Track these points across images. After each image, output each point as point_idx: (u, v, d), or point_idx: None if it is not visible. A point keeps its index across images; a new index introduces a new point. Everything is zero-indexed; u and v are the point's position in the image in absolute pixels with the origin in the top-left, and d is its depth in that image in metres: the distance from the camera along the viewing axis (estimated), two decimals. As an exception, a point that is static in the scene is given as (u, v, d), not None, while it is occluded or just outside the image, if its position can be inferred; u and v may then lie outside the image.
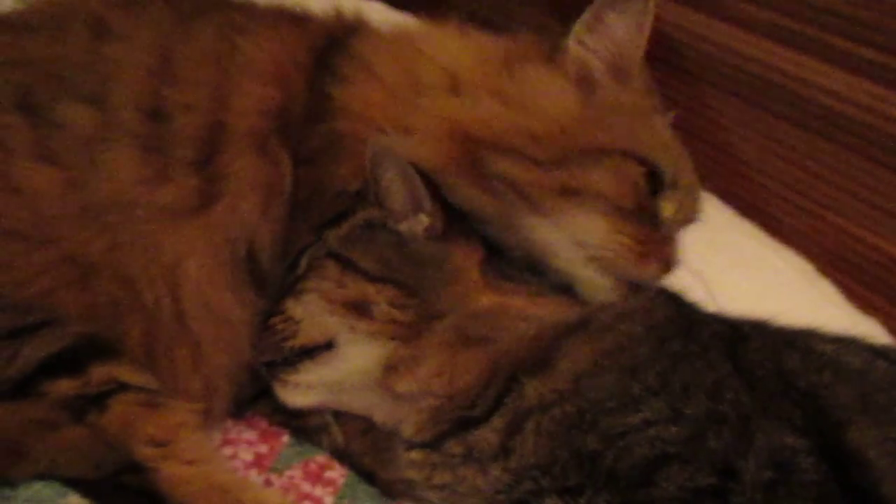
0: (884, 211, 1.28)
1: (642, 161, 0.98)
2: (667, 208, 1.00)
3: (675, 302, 0.98)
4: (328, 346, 0.96)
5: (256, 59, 1.04)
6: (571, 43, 1.03)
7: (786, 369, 0.87)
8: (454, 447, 0.87)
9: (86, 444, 0.88)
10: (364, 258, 0.97)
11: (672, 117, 1.15)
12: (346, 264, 0.97)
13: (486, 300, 0.95)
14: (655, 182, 0.99)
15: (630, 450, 0.78)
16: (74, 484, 0.87)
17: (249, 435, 1.03)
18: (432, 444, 0.89)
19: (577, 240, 0.96)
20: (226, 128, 1.00)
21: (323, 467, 0.99)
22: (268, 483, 0.97)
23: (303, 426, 1.03)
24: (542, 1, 1.64)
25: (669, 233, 1.01)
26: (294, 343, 0.98)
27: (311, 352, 0.97)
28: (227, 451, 1.00)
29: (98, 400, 0.89)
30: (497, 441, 0.85)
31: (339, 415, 1.01)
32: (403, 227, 0.98)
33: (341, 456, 1.00)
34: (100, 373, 0.91)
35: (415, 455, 0.91)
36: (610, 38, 1.02)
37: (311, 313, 0.98)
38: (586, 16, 1.02)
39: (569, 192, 0.96)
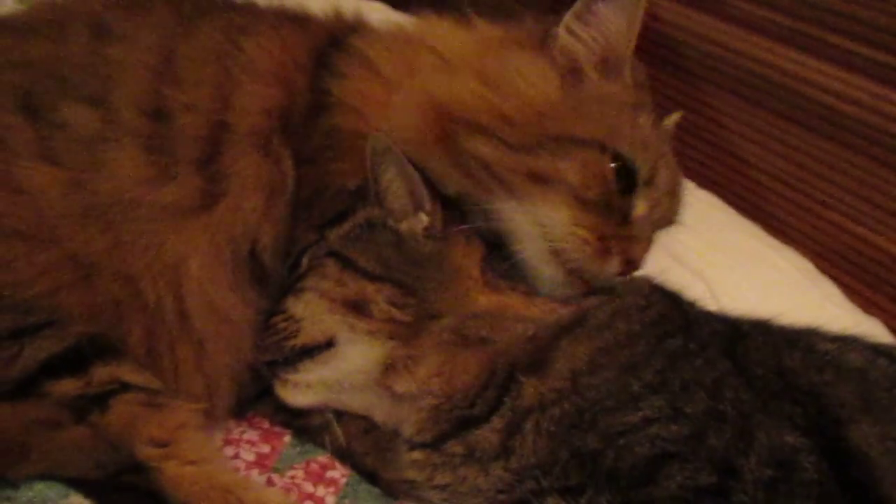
0: (885, 209, 1.28)
1: (616, 156, 0.97)
2: (639, 206, 0.99)
3: (673, 300, 0.98)
4: (328, 345, 0.97)
5: (258, 58, 1.05)
6: (561, 31, 1.02)
7: (787, 368, 0.87)
8: (455, 447, 0.88)
9: (88, 444, 0.88)
10: (363, 257, 0.97)
11: (678, 118, 1.15)
12: (346, 263, 0.97)
13: (485, 300, 0.95)
14: (628, 178, 0.98)
15: (630, 449, 0.78)
16: (76, 484, 0.88)
17: (251, 435, 1.03)
18: (433, 445, 0.89)
19: (539, 226, 0.95)
20: (228, 127, 1.01)
21: (325, 467, 0.99)
22: (270, 483, 0.97)
23: (305, 426, 1.03)
24: (543, 1, 1.64)
25: (641, 232, 0.99)
26: (295, 342, 0.98)
27: (312, 351, 0.97)
28: (229, 450, 1.00)
29: (100, 400, 0.90)
30: (497, 441, 0.85)
31: (340, 415, 1.01)
32: (403, 226, 0.99)
33: (343, 456, 1.00)
34: (102, 373, 0.91)
35: (416, 455, 0.91)
36: (599, 29, 1.02)
37: (311, 312, 0.98)
38: (578, 6, 1.02)
39: (537, 178, 0.95)
